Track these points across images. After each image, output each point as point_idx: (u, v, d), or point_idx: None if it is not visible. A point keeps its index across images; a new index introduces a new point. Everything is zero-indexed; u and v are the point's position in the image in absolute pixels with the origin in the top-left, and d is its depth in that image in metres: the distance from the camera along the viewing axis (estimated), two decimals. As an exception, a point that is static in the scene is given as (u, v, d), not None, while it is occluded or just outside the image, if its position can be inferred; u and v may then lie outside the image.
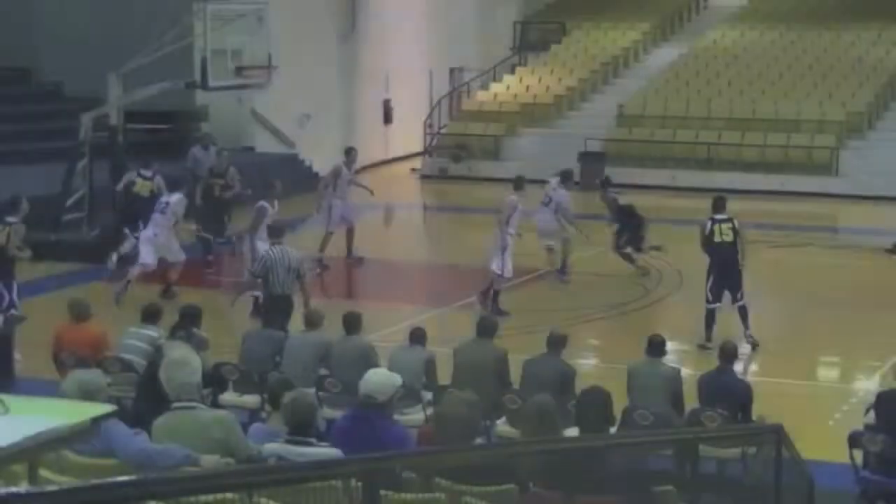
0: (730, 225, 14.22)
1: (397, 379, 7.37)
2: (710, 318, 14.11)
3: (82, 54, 23.56)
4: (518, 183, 16.60)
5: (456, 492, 6.07)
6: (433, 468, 6.10)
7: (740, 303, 14.14)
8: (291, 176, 23.22)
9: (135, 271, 15.92)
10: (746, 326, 14.12)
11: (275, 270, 12.79)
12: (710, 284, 14.22)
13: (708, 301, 14.21)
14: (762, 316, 15.57)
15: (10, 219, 13.93)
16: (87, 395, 6.53)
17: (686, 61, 30.80)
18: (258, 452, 6.63)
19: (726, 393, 9.74)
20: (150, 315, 11.28)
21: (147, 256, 15.94)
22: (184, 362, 7.01)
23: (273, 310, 12.58)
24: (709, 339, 13.89)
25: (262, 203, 15.24)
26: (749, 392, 9.83)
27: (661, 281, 17.54)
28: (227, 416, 7.00)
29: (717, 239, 14.20)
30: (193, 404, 6.90)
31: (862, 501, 9.39)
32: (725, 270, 14.19)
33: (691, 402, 9.86)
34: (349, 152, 18.69)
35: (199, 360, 7.22)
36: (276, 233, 13.39)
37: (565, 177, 18.09)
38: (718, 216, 14.37)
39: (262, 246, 14.09)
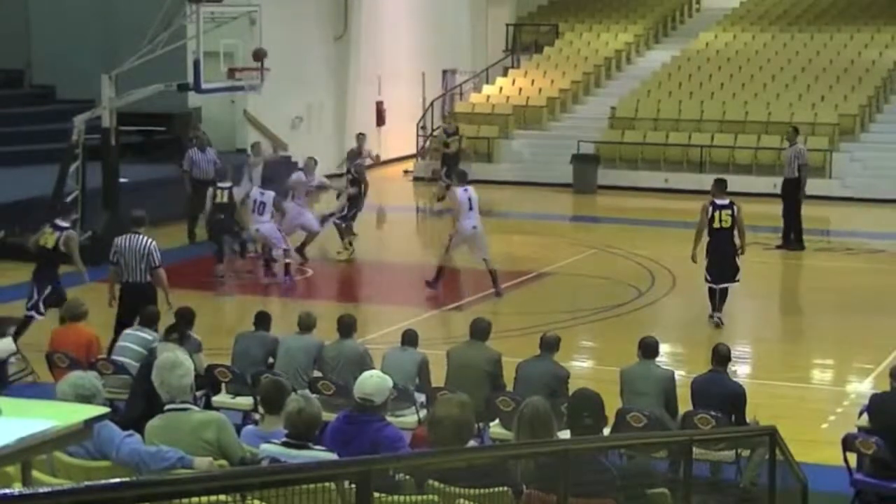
0: (729, 212, 14.77)
1: (390, 382, 7.46)
2: (712, 294, 14.88)
3: (75, 57, 23.68)
4: None
5: (449, 494, 6.09)
6: (427, 470, 6.10)
7: (726, 285, 14.74)
8: (283, 177, 23.29)
9: (283, 255, 17.43)
10: (718, 309, 14.70)
11: (125, 257, 12.84)
12: (706, 265, 14.93)
13: (707, 280, 14.97)
14: (756, 317, 15.67)
15: (63, 224, 14.19)
16: (83, 398, 6.49)
17: (678, 64, 30.87)
18: (252, 454, 6.64)
19: (719, 395, 9.75)
20: (148, 319, 11.34)
21: (282, 242, 17.59)
22: (175, 364, 6.99)
23: (127, 298, 12.63)
24: (714, 308, 14.75)
25: (299, 172, 17.51)
26: (742, 394, 9.85)
27: (655, 283, 17.61)
28: (220, 417, 7.01)
29: (715, 225, 14.77)
30: (186, 406, 6.91)
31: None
32: (720, 255, 14.79)
33: (685, 404, 9.88)
34: (307, 163, 18.84)
35: (190, 362, 7.21)
36: (137, 221, 13.31)
37: None
38: (719, 201, 14.90)
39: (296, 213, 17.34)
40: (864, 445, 9.18)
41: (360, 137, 21.02)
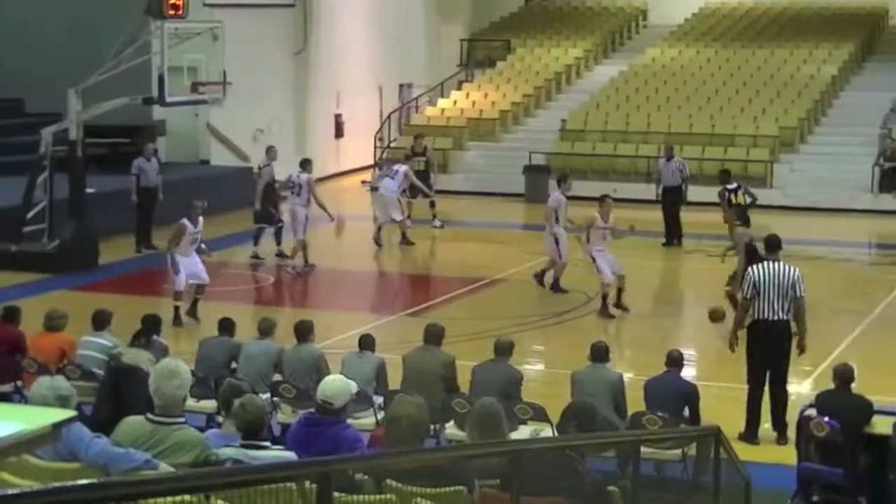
0: (741, 191, 19.05)
1: (353, 386, 7.49)
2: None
3: (43, 71, 23.64)
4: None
5: (407, 493, 6.11)
6: (385, 470, 6.18)
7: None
8: (246, 188, 23.82)
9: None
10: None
11: None
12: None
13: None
14: (699, 323, 16.08)
15: None
16: (63, 398, 6.50)
17: (626, 78, 31.33)
18: (216, 456, 6.54)
19: (674, 395, 10.02)
20: (100, 322, 11.46)
21: (398, 213, 20.87)
22: (174, 374, 6.68)
23: None
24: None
25: (183, 220, 15.89)
26: (695, 392, 10.14)
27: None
28: (203, 441, 6.70)
29: (734, 201, 18.73)
30: (172, 420, 6.61)
31: (798, 496, 9.65)
32: (748, 222, 17.79)
33: (636, 405, 10.07)
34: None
35: (189, 374, 6.87)
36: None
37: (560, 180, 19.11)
38: (730, 186, 19.22)
39: (184, 261, 15.72)
40: (817, 428, 9.36)
41: (419, 138, 23.87)
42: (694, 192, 25.94)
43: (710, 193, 25.93)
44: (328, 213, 19.46)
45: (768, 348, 11.42)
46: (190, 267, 15.95)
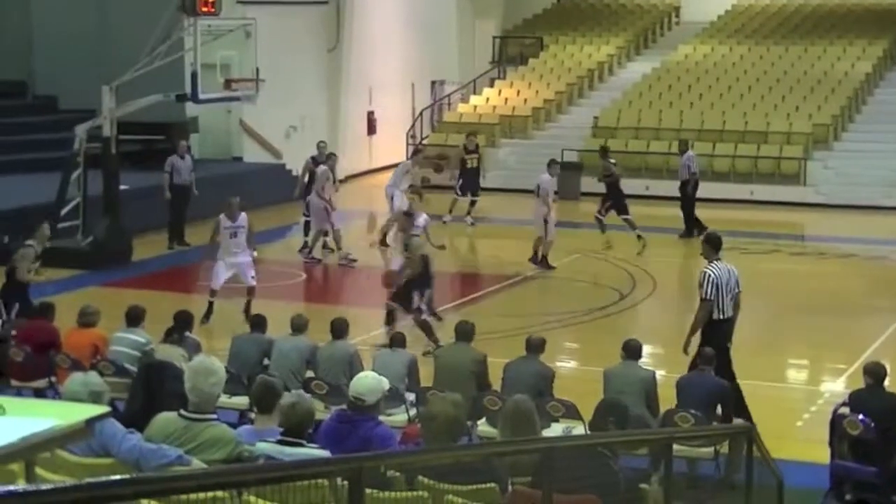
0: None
1: (385, 383, 7.50)
2: None
3: (76, 68, 23.87)
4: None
5: (438, 490, 6.12)
6: (417, 467, 6.16)
7: None
8: (278, 185, 23.95)
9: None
10: None
11: None
12: None
13: None
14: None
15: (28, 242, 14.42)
16: (96, 394, 6.54)
17: (658, 75, 31.26)
18: (248, 452, 6.55)
19: (706, 393, 9.99)
20: (133, 318, 11.53)
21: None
22: (210, 371, 6.68)
23: None
24: None
25: (221, 215, 15.85)
26: (727, 390, 10.16)
27: (636, 286, 17.91)
28: (235, 437, 6.72)
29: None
30: (205, 417, 6.61)
31: (831, 495, 9.66)
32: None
33: (668, 403, 10.07)
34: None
35: (223, 371, 6.87)
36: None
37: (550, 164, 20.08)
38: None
39: (228, 261, 15.64)
40: (851, 426, 9.38)
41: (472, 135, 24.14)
42: (724, 189, 26.06)
43: (742, 190, 26.12)
44: (327, 204, 19.40)
45: (723, 345, 11.53)
46: (235, 267, 15.77)
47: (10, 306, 13.84)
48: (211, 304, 15.63)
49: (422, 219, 16.30)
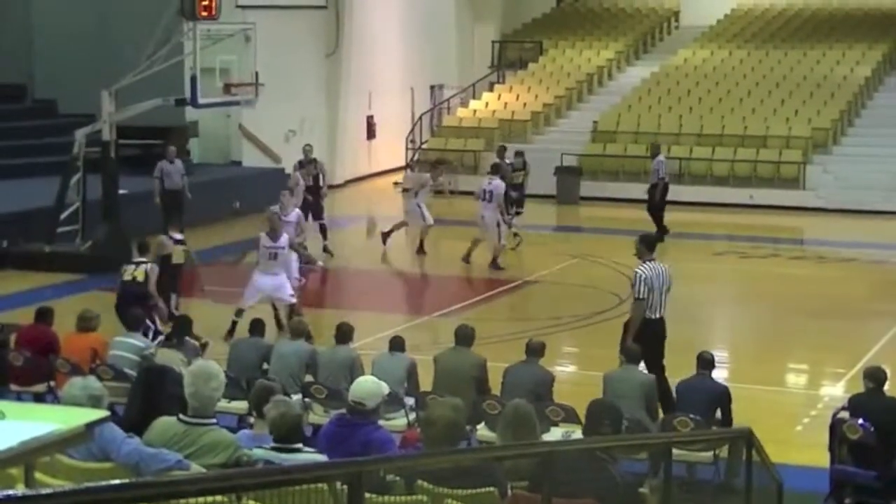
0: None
1: (384, 387, 7.49)
2: None
3: (76, 72, 23.87)
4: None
5: (438, 494, 6.12)
6: (416, 471, 6.17)
7: None
8: (277, 189, 23.88)
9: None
10: None
11: None
12: None
13: None
14: (731, 323, 16.06)
15: (142, 259, 14.38)
16: (95, 399, 6.50)
17: (658, 79, 31.27)
18: (247, 456, 6.56)
19: (705, 397, 10.04)
20: (133, 322, 11.60)
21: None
22: (211, 376, 6.65)
23: None
24: None
25: (261, 233, 15.32)
26: (727, 393, 10.16)
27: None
28: (235, 442, 6.73)
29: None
30: (204, 421, 6.62)
31: (831, 499, 9.65)
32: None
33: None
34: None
35: (223, 375, 6.85)
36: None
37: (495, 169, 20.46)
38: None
39: (261, 279, 14.98)
40: (851, 430, 9.39)
41: (520, 155, 23.85)
42: (724, 193, 26.08)
43: (741, 194, 26.14)
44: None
45: (659, 343, 11.72)
46: (268, 290, 14.94)
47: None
48: (235, 323, 14.74)
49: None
